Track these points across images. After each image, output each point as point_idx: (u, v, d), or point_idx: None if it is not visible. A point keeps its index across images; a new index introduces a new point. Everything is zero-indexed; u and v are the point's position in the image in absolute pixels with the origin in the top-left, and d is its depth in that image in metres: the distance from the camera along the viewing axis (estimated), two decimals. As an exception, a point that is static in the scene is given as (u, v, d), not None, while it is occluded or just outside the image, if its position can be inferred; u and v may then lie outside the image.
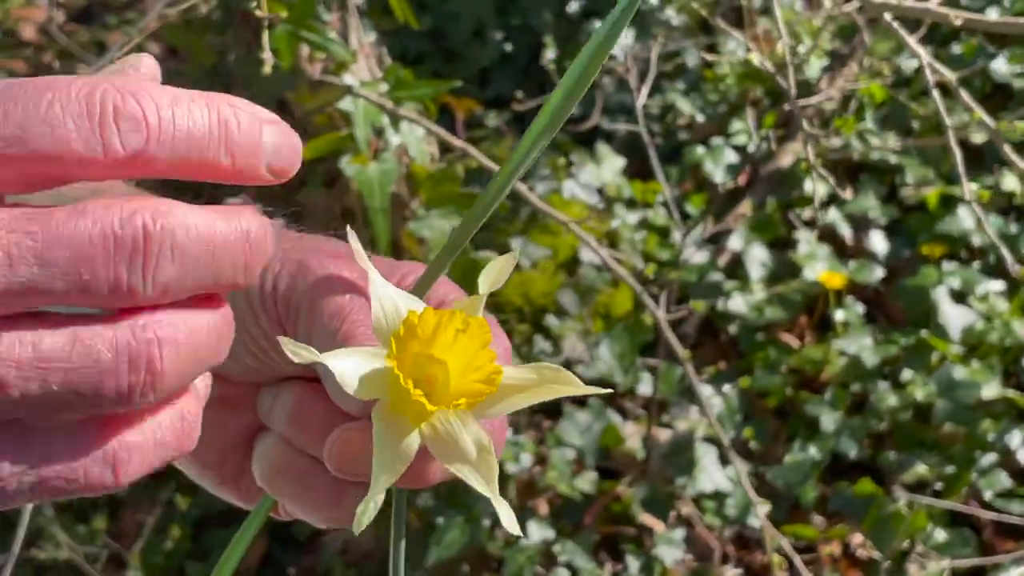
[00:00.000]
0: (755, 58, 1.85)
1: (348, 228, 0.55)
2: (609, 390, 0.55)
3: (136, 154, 0.42)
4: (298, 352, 0.51)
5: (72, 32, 3.24)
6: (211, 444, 0.61)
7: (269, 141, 0.46)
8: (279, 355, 0.60)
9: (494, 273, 0.58)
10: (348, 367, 0.53)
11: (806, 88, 2.43)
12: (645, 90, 2.17)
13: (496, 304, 2.37)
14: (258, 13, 1.48)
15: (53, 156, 0.41)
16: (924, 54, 1.75)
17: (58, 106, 0.41)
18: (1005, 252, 1.83)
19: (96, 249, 0.41)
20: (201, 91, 0.45)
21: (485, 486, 0.53)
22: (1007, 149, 1.78)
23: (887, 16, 1.75)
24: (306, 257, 0.61)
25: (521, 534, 0.54)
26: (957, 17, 1.71)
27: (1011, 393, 2.23)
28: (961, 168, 1.77)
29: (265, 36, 1.45)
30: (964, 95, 1.79)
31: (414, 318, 0.52)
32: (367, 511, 0.51)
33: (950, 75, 1.79)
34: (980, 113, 1.75)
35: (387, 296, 0.54)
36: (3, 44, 3.19)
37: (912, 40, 1.80)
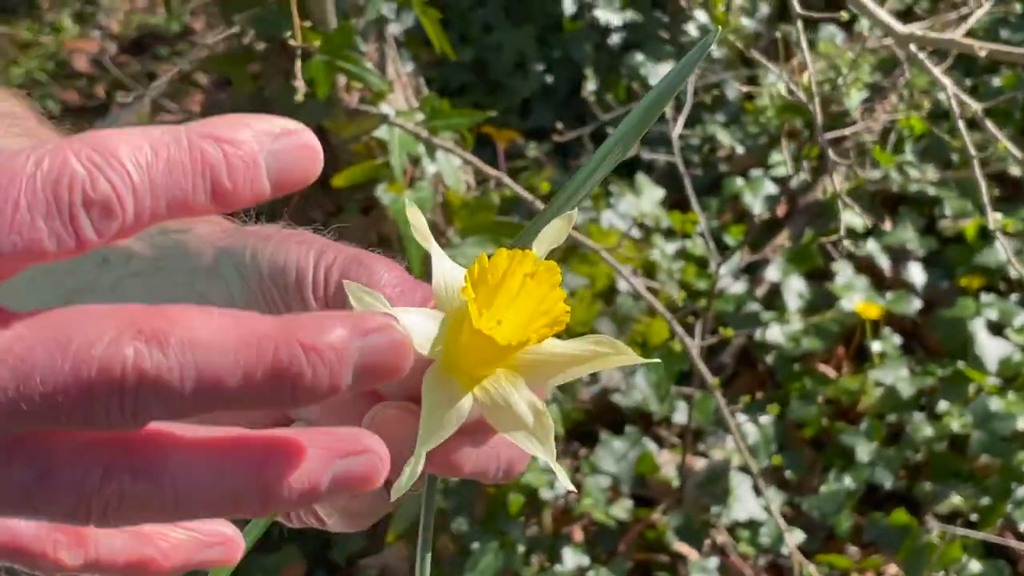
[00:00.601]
0: (782, 87, 1.90)
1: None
2: (657, 360, 0.56)
3: (114, 234, 0.42)
4: (362, 299, 0.53)
5: (124, 63, 3.34)
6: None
7: (271, 166, 0.45)
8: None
9: (551, 235, 0.57)
10: (413, 320, 0.54)
11: (844, 119, 2.48)
12: (681, 120, 2.22)
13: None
14: (292, 43, 1.55)
15: (28, 256, 0.41)
16: (950, 85, 1.80)
17: (24, 205, 0.41)
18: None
19: (70, 395, 0.41)
20: (185, 129, 0.44)
21: (542, 449, 0.54)
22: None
23: (913, 47, 1.80)
24: (359, 252, 0.63)
25: (575, 491, 0.55)
26: (982, 48, 1.76)
27: (1048, 425, 2.26)
28: (986, 197, 1.83)
29: (298, 65, 1.51)
30: (990, 125, 1.84)
31: (485, 261, 0.52)
32: (409, 476, 0.52)
33: (976, 106, 1.84)
34: (1006, 143, 1.80)
35: (448, 270, 0.55)
36: (57, 75, 3.30)
37: (938, 71, 1.84)
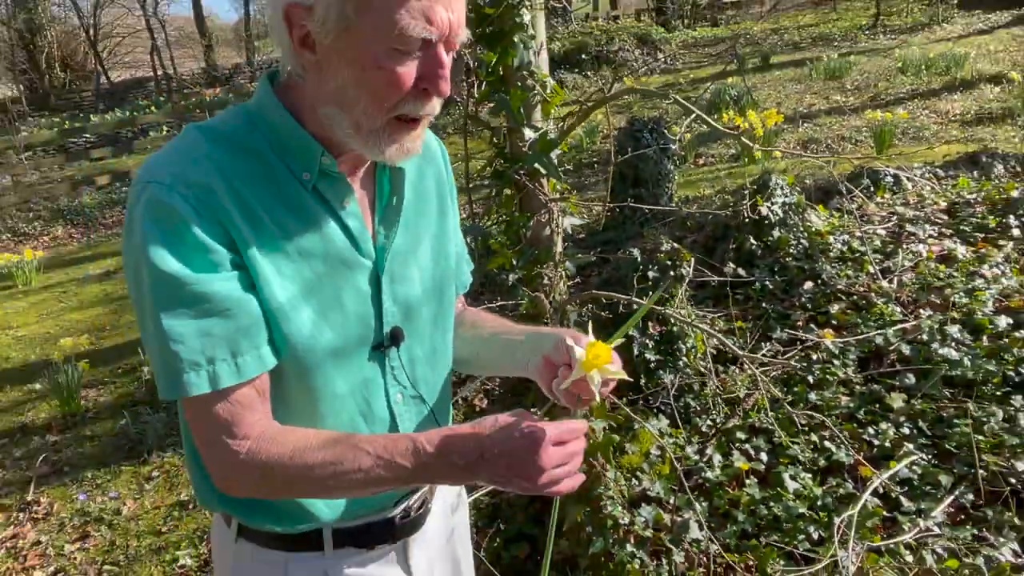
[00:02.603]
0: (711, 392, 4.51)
1: (589, 327, 1.27)
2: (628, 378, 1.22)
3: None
4: (572, 346, 1.24)
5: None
6: (544, 383, 1.34)
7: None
8: (560, 356, 1.32)
9: (613, 372, 1.22)
10: (578, 351, 1.24)
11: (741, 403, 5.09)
12: (672, 390, 4.58)
13: (618, 464, 4.05)
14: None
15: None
16: (770, 390, 3.74)
17: (546, 462, 1.18)
18: (836, 532, 4.37)
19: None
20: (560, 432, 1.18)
21: (595, 390, 1.21)
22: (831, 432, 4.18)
23: (755, 366, 4.12)
24: (578, 333, 1.30)
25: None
26: (783, 365, 4.10)
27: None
28: (785, 439, 4.28)
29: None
30: (798, 419, 3.87)
31: (593, 346, 1.22)
32: (565, 383, 1.25)
33: (779, 394, 4.17)
34: (799, 425, 4.10)
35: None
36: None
37: (762, 378, 3.93)
